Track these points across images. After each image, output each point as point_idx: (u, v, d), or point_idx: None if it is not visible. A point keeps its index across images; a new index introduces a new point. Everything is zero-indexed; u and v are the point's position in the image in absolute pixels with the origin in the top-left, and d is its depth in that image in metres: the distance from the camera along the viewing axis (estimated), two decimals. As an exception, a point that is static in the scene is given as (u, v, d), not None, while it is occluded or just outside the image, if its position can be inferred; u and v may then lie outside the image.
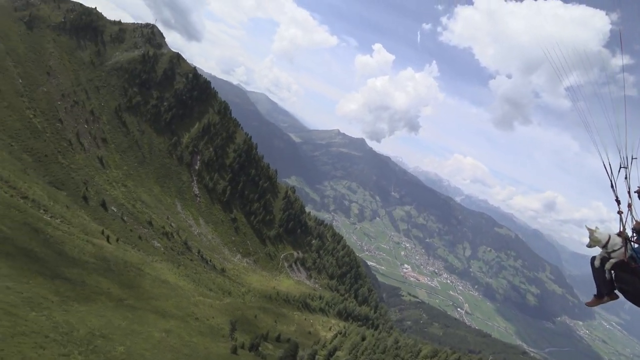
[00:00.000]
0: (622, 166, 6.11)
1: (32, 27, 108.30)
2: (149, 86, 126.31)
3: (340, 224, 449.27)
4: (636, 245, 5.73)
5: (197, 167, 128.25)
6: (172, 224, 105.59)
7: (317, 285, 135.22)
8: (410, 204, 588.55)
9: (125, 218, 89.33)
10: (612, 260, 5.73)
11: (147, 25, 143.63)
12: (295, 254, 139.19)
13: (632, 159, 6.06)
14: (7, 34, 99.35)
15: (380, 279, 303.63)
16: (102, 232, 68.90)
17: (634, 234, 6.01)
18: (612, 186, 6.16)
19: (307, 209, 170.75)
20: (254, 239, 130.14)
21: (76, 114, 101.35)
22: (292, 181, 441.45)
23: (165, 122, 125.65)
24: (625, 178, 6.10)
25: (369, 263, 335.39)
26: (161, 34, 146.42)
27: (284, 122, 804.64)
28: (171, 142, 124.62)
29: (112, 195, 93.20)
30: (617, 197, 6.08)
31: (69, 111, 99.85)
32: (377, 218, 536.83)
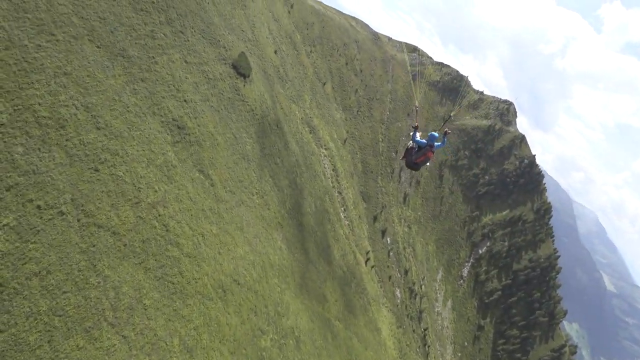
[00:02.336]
0: None
1: (414, 80, 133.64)
2: (479, 155, 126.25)
3: None
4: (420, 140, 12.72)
5: (480, 252, 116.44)
6: (423, 287, 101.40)
7: None
8: None
9: (391, 254, 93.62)
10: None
11: (506, 101, 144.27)
12: None
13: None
14: (397, 79, 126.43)
15: None
16: (367, 253, 74.02)
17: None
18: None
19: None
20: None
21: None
22: (573, 330, 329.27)
23: (477, 194, 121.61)
24: None
25: None
26: (515, 112, 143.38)
27: (603, 258, 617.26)
28: (471, 214, 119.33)
29: (395, 229, 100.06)
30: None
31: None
32: None
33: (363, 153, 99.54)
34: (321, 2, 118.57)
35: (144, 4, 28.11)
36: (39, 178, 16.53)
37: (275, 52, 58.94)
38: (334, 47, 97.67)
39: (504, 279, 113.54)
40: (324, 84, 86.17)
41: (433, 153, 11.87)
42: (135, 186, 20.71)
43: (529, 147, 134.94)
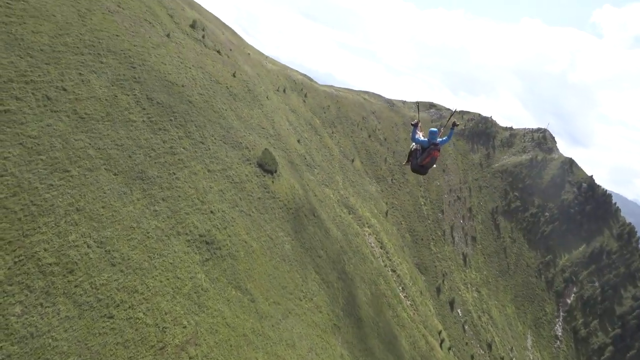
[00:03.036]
0: None
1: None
2: (531, 192, 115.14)
3: None
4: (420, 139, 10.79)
5: (569, 302, 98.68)
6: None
7: None
8: None
9: (466, 327, 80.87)
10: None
11: (539, 129, 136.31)
12: None
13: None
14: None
15: None
16: (439, 333, 63.85)
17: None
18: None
19: None
20: None
21: (456, 208, 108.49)
22: None
23: (542, 235, 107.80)
24: None
25: None
26: (552, 138, 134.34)
27: None
28: (544, 259, 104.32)
29: (463, 297, 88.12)
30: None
31: (452, 205, 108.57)
32: None
33: (408, 221, 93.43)
34: (332, 86, 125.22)
35: (161, 123, 28.02)
36: (39, 342, 13.44)
37: (299, 140, 59.04)
38: (353, 123, 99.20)
39: (610, 329, 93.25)
40: (352, 160, 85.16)
41: (439, 151, 10.56)
42: (159, 327, 17.17)
43: (580, 168, 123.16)
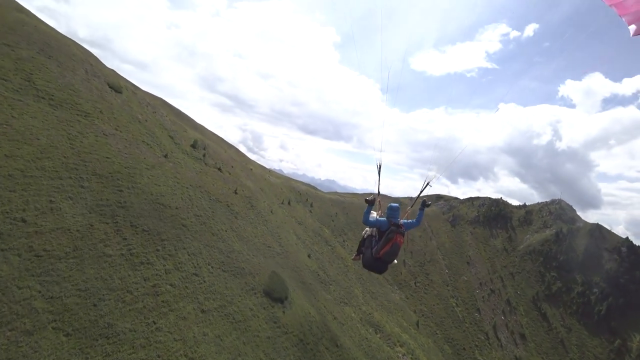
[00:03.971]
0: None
1: (455, 225, 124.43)
2: (569, 269, 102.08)
3: None
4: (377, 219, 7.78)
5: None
6: None
7: None
8: None
9: None
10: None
11: (553, 201, 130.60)
12: None
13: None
14: (438, 232, 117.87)
15: None
16: None
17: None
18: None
19: None
20: None
21: (493, 304, 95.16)
22: None
23: (599, 316, 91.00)
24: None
25: None
26: (570, 207, 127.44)
27: None
28: (612, 345, 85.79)
29: None
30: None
31: (486, 300, 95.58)
32: None
33: (443, 329, 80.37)
34: (337, 192, 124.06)
35: (145, 255, 22.67)
36: None
37: (309, 255, 52.89)
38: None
39: None
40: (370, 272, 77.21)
41: (404, 237, 7.10)
42: None
43: (611, 232, 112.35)
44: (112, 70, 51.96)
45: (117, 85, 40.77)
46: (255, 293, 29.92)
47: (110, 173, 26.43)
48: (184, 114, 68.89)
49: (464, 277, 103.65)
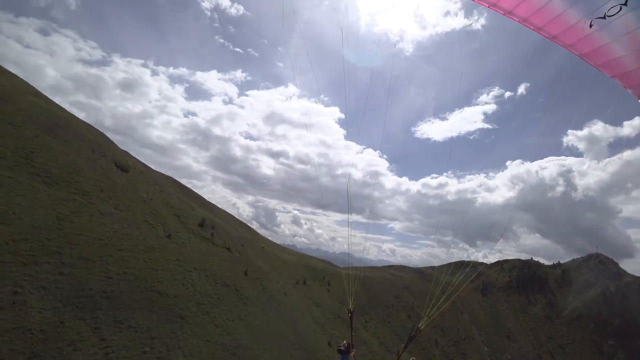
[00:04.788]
0: None
1: (487, 294, 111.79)
2: (630, 335, 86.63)
3: None
4: None
5: None
6: None
7: None
8: None
9: None
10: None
11: (590, 256, 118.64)
12: None
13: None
14: (469, 304, 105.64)
15: None
16: None
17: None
18: None
19: None
20: None
21: None
22: None
23: None
24: None
25: None
26: (611, 260, 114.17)
27: None
28: None
29: None
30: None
31: None
32: None
33: None
34: (355, 266, 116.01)
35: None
36: None
37: (329, 343, 45.73)
38: (387, 304, 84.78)
39: None
40: (398, 352, 67.18)
41: None
42: None
43: None
44: (125, 151, 51.87)
45: (124, 163, 39.59)
46: (266, 404, 23.91)
47: (100, 257, 23.05)
48: (194, 192, 67.53)
49: (507, 354, 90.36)
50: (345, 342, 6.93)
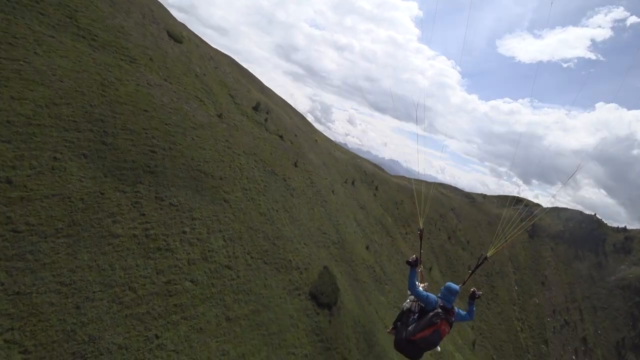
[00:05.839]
0: None
1: (533, 236, 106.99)
2: None
3: None
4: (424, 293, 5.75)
5: None
6: None
7: None
8: None
9: None
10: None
11: None
12: None
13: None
14: (512, 241, 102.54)
15: None
16: None
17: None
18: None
19: None
20: None
21: (564, 338, 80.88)
22: None
23: None
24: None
25: None
26: None
27: None
28: None
29: None
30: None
31: (558, 332, 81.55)
32: None
33: (501, 355, 70.24)
34: (404, 177, 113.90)
35: (165, 238, 17.88)
36: None
37: (367, 247, 46.35)
38: (430, 221, 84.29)
39: None
40: (430, 269, 68.83)
41: (451, 327, 5.37)
42: None
43: None
44: (181, 23, 48.36)
45: (177, 34, 36.50)
46: (299, 294, 24.38)
47: (145, 129, 21.97)
48: (252, 74, 64.46)
49: (535, 299, 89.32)
50: (414, 255, 6.24)
